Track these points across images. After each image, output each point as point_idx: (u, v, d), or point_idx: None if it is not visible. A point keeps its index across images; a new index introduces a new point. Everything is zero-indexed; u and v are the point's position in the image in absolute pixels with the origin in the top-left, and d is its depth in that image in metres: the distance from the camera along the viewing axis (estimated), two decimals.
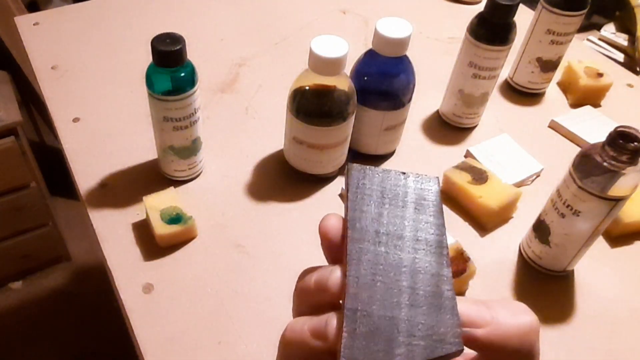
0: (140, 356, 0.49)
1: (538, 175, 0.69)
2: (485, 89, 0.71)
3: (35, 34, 0.84)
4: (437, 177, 0.28)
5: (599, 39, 1.24)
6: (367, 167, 0.27)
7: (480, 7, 0.69)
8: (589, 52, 0.99)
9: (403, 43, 0.59)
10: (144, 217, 0.59)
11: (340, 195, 0.65)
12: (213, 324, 0.52)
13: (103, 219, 0.59)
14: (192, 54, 0.57)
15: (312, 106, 0.59)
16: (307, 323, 0.24)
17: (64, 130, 0.69)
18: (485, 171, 0.64)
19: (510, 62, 0.82)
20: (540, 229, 0.56)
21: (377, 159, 0.70)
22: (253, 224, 0.61)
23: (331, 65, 0.55)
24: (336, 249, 0.26)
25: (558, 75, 0.84)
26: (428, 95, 0.78)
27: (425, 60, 0.83)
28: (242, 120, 0.74)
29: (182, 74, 0.55)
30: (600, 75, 0.81)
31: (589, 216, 0.51)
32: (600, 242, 0.63)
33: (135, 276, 0.54)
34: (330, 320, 0.23)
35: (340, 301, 0.24)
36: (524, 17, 0.78)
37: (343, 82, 0.58)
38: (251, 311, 0.53)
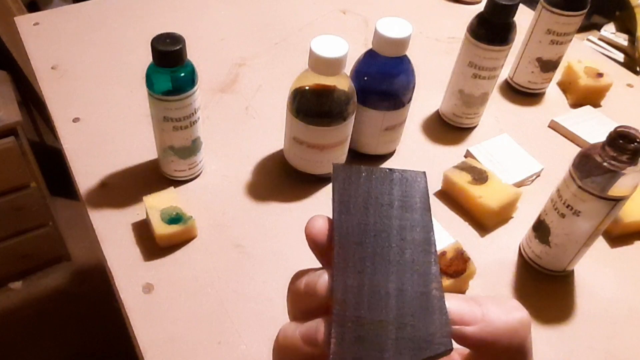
0: (140, 356, 0.49)
1: (538, 175, 0.69)
2: (485, 89, 0.71)
3: (35, 34, 0.84)
4: (424, 172, 0.27)
5: (599, 39, 1.24)
6: (353, 166, 0.27)
7: (480, 7, 0.69)
8: (589, 52, 0.99)
9: (403, 43, 0.59)
10: (144, 217, 0.59)
11: None
12: (213, 324, 0.52)
13: (103, 218, 0.59)
14: (192, 54, 0.57)
15: (312, 106, 0.59)
16: (299, 329, 0.24)
17: (64, 130, 0.69)
18: (485, 171, 0.64)
19: (510, 62, 0.82)
20: (540, 229, 0.56)
21: (377, 159, 0.70)
22: (253, 224, 0.61)
23: (331, 65, 0.55)
24: (325, 251, 0.26)
25: (558, 75, 0.84)
26: (428, 95, 0.78)
27: (425, 60, 0.83)
28: (242, 120, 0.74)
29: (182, 74, 0.55)
30: (600, 75, 0.81)
31: (589, 216, 0.51)
32: (600, 242, 0.63)
33: (135, 276, 0.54)
34: (320, 326, 0.23)
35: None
36: (524, 17, 0.78)
37: (343, 82, 0.58)
38: (251, 311, 0.53)
